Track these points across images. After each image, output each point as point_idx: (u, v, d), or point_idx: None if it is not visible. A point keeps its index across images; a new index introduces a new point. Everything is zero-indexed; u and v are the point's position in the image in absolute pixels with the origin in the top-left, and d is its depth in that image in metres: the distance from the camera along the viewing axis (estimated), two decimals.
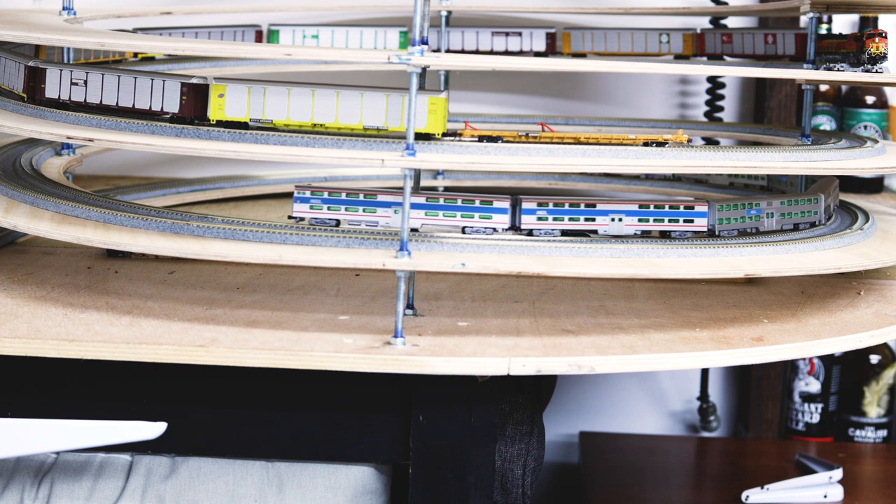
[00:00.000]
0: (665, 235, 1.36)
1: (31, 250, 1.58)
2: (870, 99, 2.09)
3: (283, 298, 1.41)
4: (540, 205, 1.34)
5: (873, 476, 1.97)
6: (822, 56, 1.63)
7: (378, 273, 1.51)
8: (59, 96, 1.39)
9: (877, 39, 1.51)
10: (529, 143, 1.31)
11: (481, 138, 1.31)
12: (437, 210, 1.31)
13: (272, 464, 1.40)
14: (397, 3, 2.01)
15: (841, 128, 2.11)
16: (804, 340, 1.31)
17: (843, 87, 2.13)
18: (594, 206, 1.35)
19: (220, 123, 1.31)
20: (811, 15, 1.63)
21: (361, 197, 1.31)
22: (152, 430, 1.27)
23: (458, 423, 1.33)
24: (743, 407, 2.19)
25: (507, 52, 1.95)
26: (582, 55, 1.94)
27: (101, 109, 1.37)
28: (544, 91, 2.16)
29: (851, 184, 2.09)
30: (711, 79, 2.08)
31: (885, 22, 2.08)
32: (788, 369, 2.11)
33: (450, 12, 1.96)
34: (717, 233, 1.38)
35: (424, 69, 1.25)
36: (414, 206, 1.31)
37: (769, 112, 2.10)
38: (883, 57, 1.51)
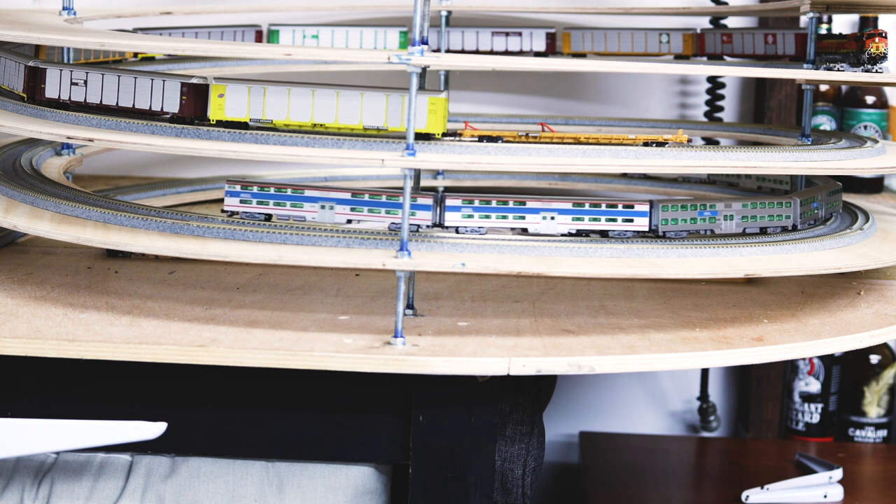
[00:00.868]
0: (604, 235, 1.35)
1: (31, 250, 1.58)
2: (870, 99, 2.09)
3: (283, 298, 1.41)
4: (465, 202, 1.32)
5: (873, 476, 1.97)
6: (822, 56, 1.63)
7: (378, 273, 1.51)
8: (59, 96, 1.39)
9: (877, 39, 1.51)
10: (529, 143, 1.31)
11: (481, 138, 1.31)
12: (362, 206, 1.31)
13: (272, 464, 1.40)
14: (397, 3, 2.01)
15: (841, 128, 2.11)
16: (804, 340, 1.31)
17: (843, 87, 2.13)
18: (524, 203, 1.33)
19: (220, 123, 1.31)
20: (811, 15, 1.63)
21: (289, 192, 1.31)
22: (152, 430, 1.27)
23: (458, 423, 1.33)
24: (743, 407, 2.19)
25: (507, 52, 1.95)
26: (582, 55, 1.93)
27: (101, 109, 1.37)
28: (544, 91, 2.16)
29: (851, 184, 2.09)
30: (711, 79, 2.08)
31: (885, 22, 2.08)
32: (788, 369, 2.11)
33: (450, 12, 1.96)
34: (661, 233, 1.35)
35: (424, 69, 1.25)
36: (341, 201, 1.31)
37: (769, 112, 2.10)
38: (883, 57, 1.51)
